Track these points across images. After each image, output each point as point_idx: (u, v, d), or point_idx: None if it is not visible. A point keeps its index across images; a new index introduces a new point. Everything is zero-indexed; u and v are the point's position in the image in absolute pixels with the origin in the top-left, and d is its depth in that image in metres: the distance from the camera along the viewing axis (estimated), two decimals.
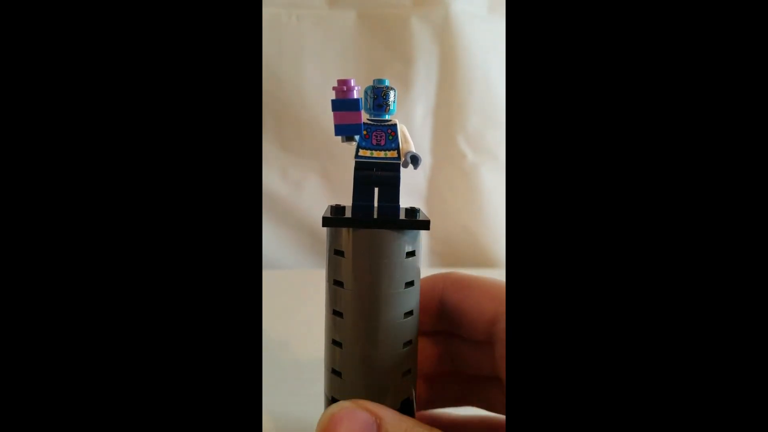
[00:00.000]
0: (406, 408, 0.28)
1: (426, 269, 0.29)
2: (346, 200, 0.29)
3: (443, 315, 0.31)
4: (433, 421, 0.32)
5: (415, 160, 0.28)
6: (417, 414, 0.30)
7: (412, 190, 0.79)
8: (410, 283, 0.28)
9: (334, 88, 0.28)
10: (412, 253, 0.28)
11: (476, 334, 0.30)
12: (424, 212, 0.29)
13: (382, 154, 0.29)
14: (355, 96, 0.28)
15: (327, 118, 0.27)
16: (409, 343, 0.28)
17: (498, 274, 0.30)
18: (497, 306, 0.28)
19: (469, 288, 0.30)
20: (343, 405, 0.24)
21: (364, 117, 0.29)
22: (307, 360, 0.47)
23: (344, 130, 0.28)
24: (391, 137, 0.29)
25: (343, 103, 0.28)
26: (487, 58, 0.74)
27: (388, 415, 0.24)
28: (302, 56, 0.72)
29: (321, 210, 0.29)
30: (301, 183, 0.77)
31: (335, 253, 0.28)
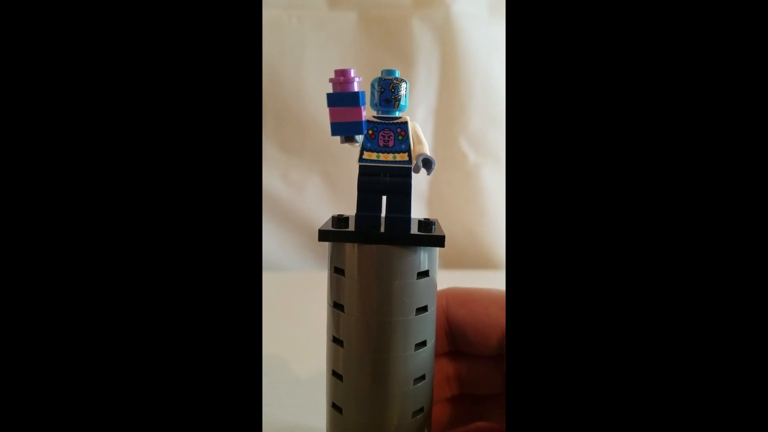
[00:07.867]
0: None
1: None
2: (351, 206, 0.23)
3: (450, 334, 0.27)
4: None
5: (428, 164, 0.22)
6: None
7: (413, 191, 0.73)
8: (423, 309, 0.22)
9: (331, 80, 0.22)
10: (425, 274, 0.22)
11: (487, 349, 0.26)
12: (430, 218, 0.23)
13: (390, 156, 0.23)
14: (356, 89, 0.21)
15: (328, 119, 0.21)
16: (421, 378, 0.22)
17: (500, 276, 0.26)
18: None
19: (474, 302, 0.27)
20: None
21: (370, 114, 0.22)
22: (309, 364, 0.43)
23: (342, 129, 0.22)
24: (400, 137, 0.23)
25: (340, 98, 0.22)
26: (488, 58, 0.70)
27: None
28: (303, 58, 0.68)
29: (322, 211, 0.23)
30: (302, 185, 0.72)
31: (335, 271, 0.22)
